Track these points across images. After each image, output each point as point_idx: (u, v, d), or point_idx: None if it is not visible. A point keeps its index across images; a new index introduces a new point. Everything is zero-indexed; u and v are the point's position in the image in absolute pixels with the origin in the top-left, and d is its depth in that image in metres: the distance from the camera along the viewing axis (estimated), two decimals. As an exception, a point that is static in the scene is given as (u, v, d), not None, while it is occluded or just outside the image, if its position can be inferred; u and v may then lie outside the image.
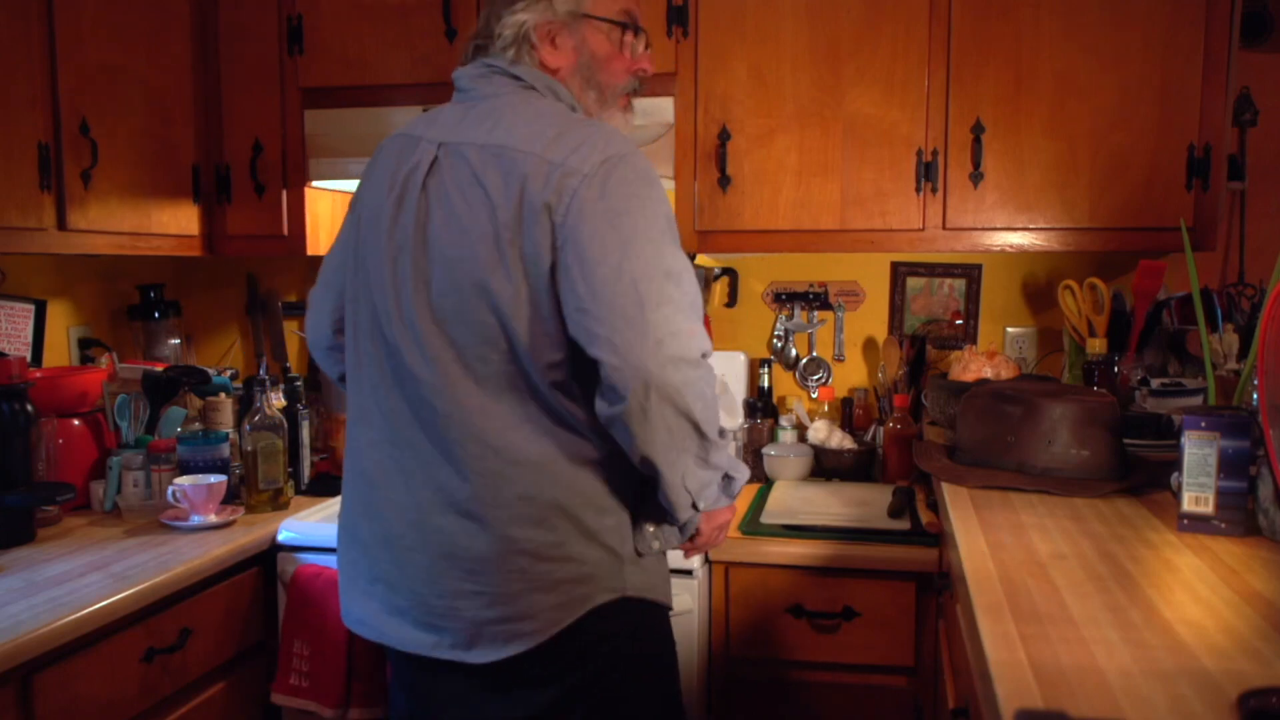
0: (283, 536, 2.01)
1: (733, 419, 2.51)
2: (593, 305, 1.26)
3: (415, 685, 1.48)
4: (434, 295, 1.34)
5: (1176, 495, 1.41)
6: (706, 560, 1.98)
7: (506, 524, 1.33)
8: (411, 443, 1.37)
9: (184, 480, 2.01)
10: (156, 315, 2.61)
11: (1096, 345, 2.11)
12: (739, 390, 2.52)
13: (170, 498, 1.99)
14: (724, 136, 2.20)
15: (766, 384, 2.54)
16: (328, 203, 2.52)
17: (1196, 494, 1.38)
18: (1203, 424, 1.36)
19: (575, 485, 1.35)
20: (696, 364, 1.30)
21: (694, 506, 1.40)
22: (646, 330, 1.25)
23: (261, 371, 2.72)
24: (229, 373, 2.42)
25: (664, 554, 1.49)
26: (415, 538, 1.36)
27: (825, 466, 2.43)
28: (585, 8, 1.45)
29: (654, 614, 1.47)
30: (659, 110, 2.24)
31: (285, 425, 2.17)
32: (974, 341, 2.52)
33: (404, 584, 1.38)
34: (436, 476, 1.35)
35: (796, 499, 2.23)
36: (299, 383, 2.35)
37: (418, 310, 1.35)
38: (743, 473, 1.48)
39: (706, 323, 2.56)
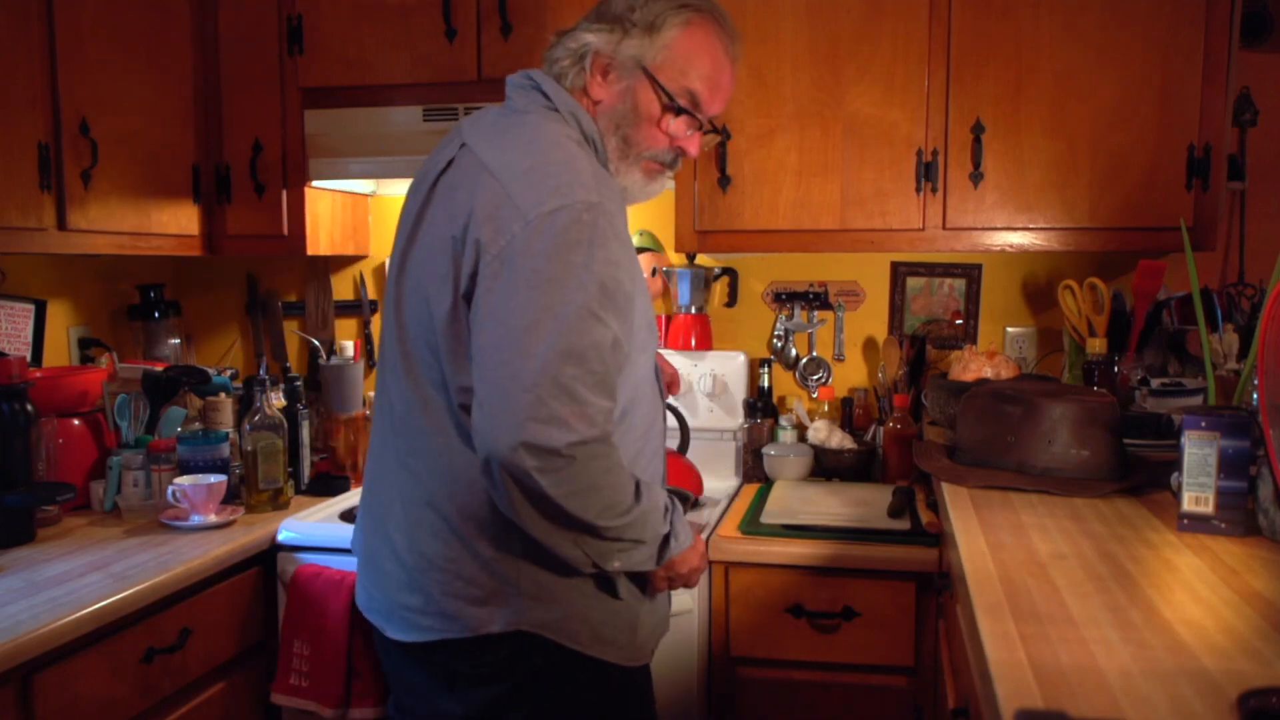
0: (283, 536, 2.01)
1: (733, 419, 2.51)
2: (479, 358, 1.24)
3: (388, 671, 1.54)
4: (405, 290, 1.39)
5: (1176, 495, 1.41)
6: (706, 560, 1.98)
7: (417, 525, 1.38)
8: (387, 429, 1.45)
9: (184, 480, 2.01)
10: (156, 315, 2.61)
11: (1096, 345, 2.11)
12: (739, 390, 2.52)
13: (170, 498, 1.99)
14: (724, 136, 2.20)
15: (766, 384, 2.54)
16: (328, 203, 2.51)
17: (1196, 494, 1.37)
18: (1203, 424, 1.36)
19: (471, 509, 1.33)
20: (557, 455, 1.19)
21: (657, 560, 1.36)
22: (511, 408, 1.19)
23: (261, 371, 2.72)
24: (229, 373, 2.42)
25: (620, 595, 1.41)
26: (382, 511, 1.45)
27: (825, 466, 2.43)
28: (648, 63, 1.40)
29: (570, 659, 1.37)
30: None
31: (285, 425, 2.17)
32: (974, 341, 2.52)
33: (361, 549, 1.50)
34: (400, 461, 1.41)
35: (796, 499, 2.23)
36: (299, 382, 2.35)
37: (396, 304, 1.40)
38: (684, 538, 1.40)
39: (706, 323, 2.56)
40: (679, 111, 1.43)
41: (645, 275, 2.57)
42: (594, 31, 1.41)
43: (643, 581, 1.44)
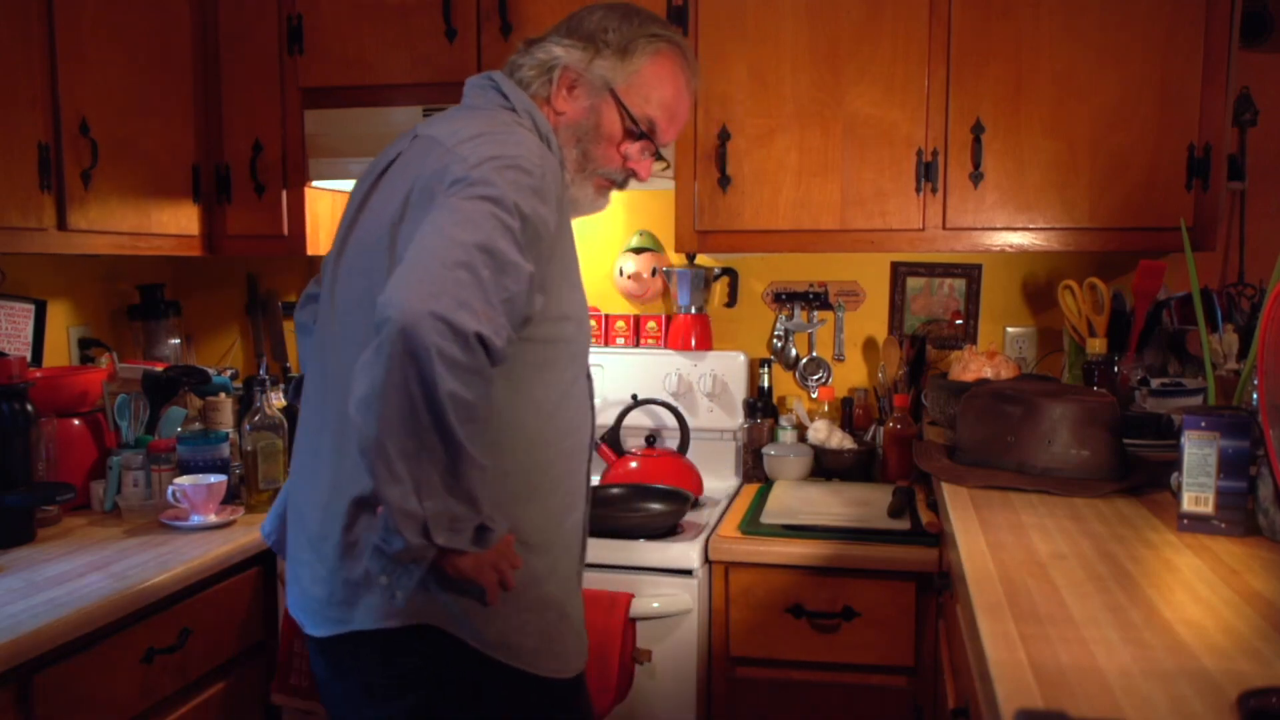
0: (283, 536, 2.01)
1: (733, 419, 2.51)
2: (406, 255, 1.19)
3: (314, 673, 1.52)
4: (341, 273, 1.38)
5: (1176, 495, 1.41)
6: (706, 560, 1.98)
7: (325, 506, 1.35)
8: (313, 411, 1.44)
9: (184, 480, 2.01)
10: (156, 315, 2.61)
11: (1096, 345, 2.11)
12: (739, 390, 2.52)
13: (170, 498, 1.99)
14: (724, 136, 2.20)
15: (766, 384, 2.54)
16: (328, 203, 2.51)
17: (1196, 494, 1.37)
18: (1203, 424, 1.36)
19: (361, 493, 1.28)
20: (464, 341, 1.13)
21: (425, 535, 1.16)
22: (427, 279, 1.13)
23: (261, 371, 2.72)
24: (229, 373, 2.43)
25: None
26: (302, 499, 1.43)
27: (825, 466, 2.43)
28: (617, 86, 1.44)
29: (484, 665, 1.32)
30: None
31: (285, 425, 2.16)
32: (974, 341, 2.52)
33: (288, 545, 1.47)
34: (328, 446, 1.39)
35: (796, 499, 2.23)
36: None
37: (332, 289, 1.39)
38: (501, 526, 1.25)
39: (706, 323, 2.56)
40: (639, 136, 1.47)
41: (646, 273, 2.58)
42: (565, 47, 1.43)
43: (568, 577, 1.43)
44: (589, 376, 1.51)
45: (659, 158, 1.56)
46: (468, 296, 1.14)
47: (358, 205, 1.41)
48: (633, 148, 1.49)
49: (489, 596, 1.27)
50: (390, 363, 1.12)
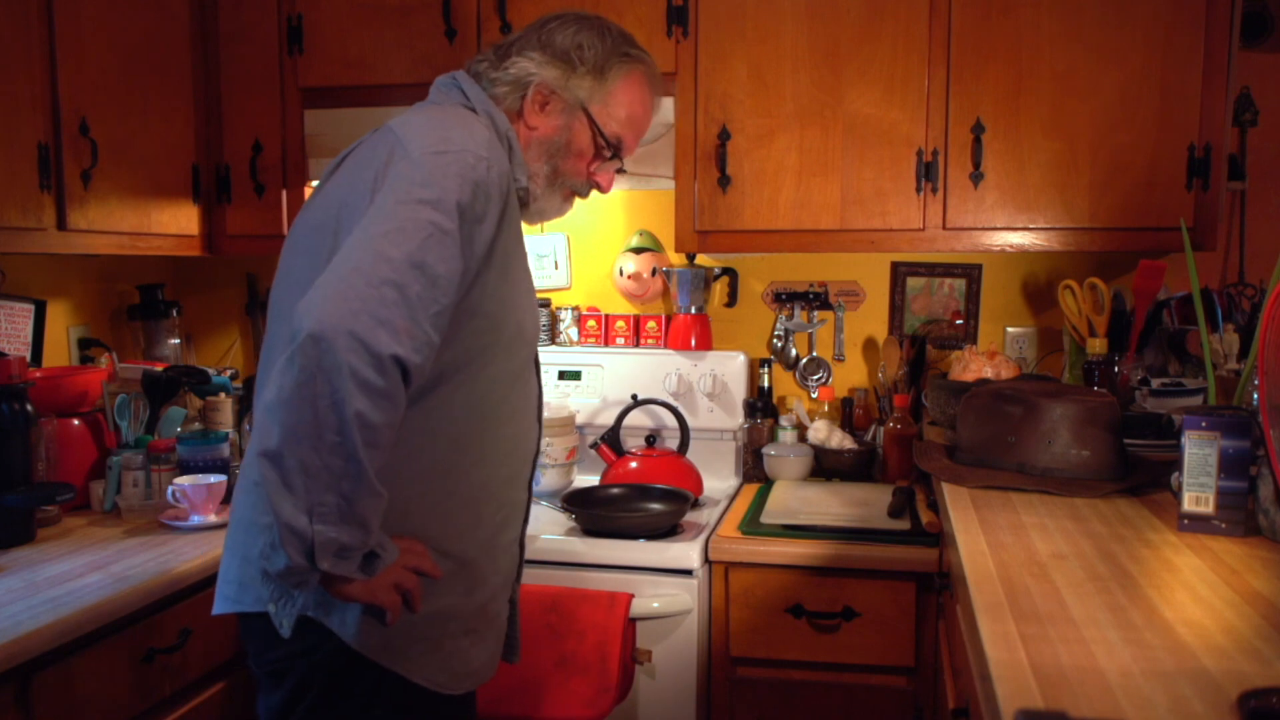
0: (283, 536, 2.01)
1: (733, 419, 2.51)
2: (334, 260, 1.18)
3: None
4: (286, 247, 1.40)
5: (1176, 495, 1.41)
6: (706, 560, 1.98)
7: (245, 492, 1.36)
8: None
9: (184, 480, 2.01)
10: (156, 315, 2.61)
11: (1096, 345, 2.11)
12: (739, 390, 2.52)
13: (170, 498, 1.99)
14: (724, 136, 2.20)
15: (766, 384, 2.54)
16: (328, 203, 2.51)
17: (1197, 494, 1.37)
18: (1203, 424, 1.36)
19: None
20: (378, 363, 1.12)
21: (309, 557, 1.14)
22: (348, 295, 1.12)
23: (261, 371, 2.72)
24: (229, 373, 2.42)
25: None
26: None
27: (825, 466, 2.43)
28: (591, 106, 1.46)
29: (364, 669, 1.29)
30: (659, 110, 2.23)
31: (285, 425, 2.16)
32: (974, 341, 2.52)
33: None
34: None
35: (796, 499, 2.23)
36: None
37: (278, 277, 1.41)
38: (391, 555, 1.22)
39: (706, 323, 2.56)
40: (610, 154, 1.50)
41: (646, 273, 2.58)
42: (539, 63, 1.44)
43: (492, 595, 1.41)
44: (538, 382, 1.50)
45: (620, 170, 1.58)
46: (389, 315, 1.13)
47: (317, 189, 1.42)
48: (600, 164, 1.51)
49: (389, 617, 1.24)
50: (301, 374, 1.11)
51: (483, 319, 1.32)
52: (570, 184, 1.50)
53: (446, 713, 1.39)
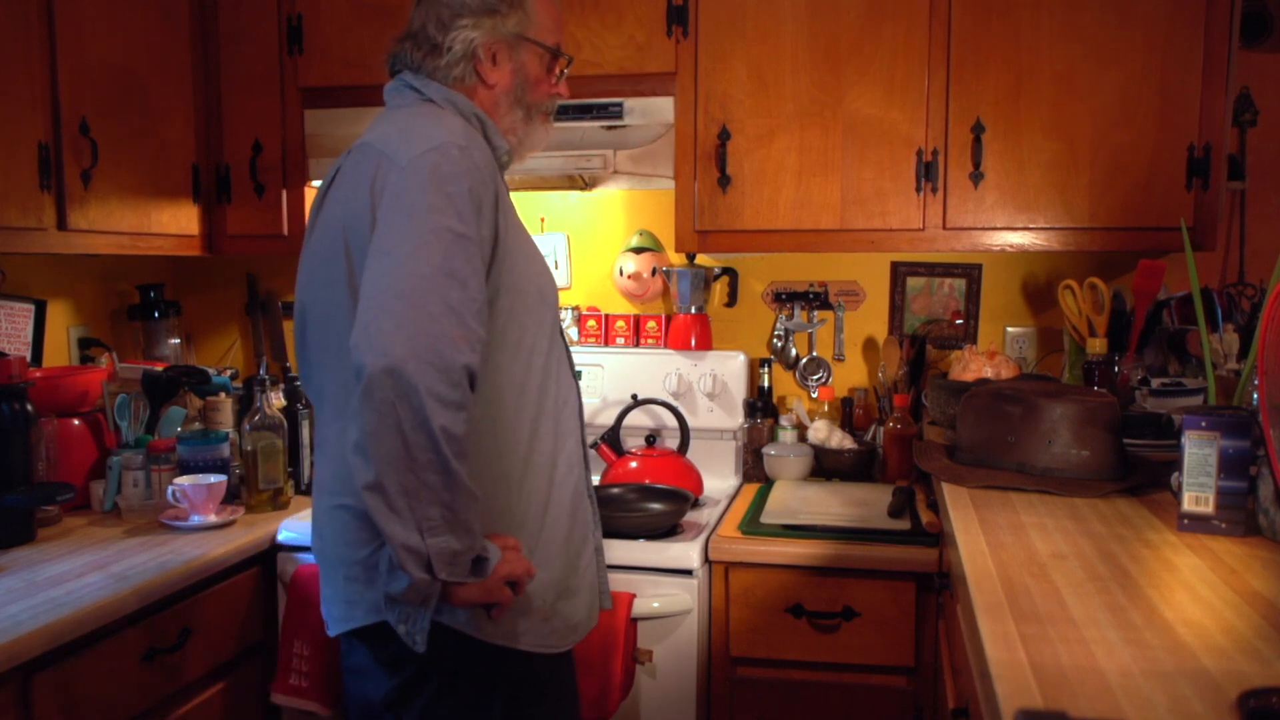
0: (283, 536, 2.01)
1: (733, 419, 2.51)
2: (365, 288, 1.24)
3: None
4: (299, 286, 1.45)
5: (1176, 495, 1.41)
6: (706, 560, 1.98)
7: (328, 515, 1.42)
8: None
9: (184, 480, 2.01)
10: (156, 315, 2.61)
11: (1096, 345, 2.11)
12: (739, 390, 2.52)
13: (170, 498, 1.99)
14: (724, 136, 2.20)
15: (766, 384, 2.54)
16: (328, 203, 2.51)
17: (1197, 494, 1.37)
18: (1203, 424, 1.36)
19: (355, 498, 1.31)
20: (450, 376, 1.19)
21: (429, 570, 1.22)
22: (404, 323, 1.18)
23: (261, 371, 2.72)
24: (229, 373, 2.42)
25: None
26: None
27: (825, 466, 2.43)
28: (528, 31, 1.50)
29: (469, 645, 1.37)
30: (659, 110, 2.24)
31: (285, 425, 2.17)
32: (974, 341, 2.52)
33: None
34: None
35: (796, 499, 2.23)
36: (299, 382, 2.35)
37: (301, 296, 1.47)
38: (495, 554, 1.29)
39: (706, 323, 2.56)
40: (556, 58, 1.55)
41: (646, 273, 2.58)
42: (470, 27, 1.47)
43: (576, 549, 1.49)
44: (564, 340, 1.54)
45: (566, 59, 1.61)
46: (444, 329, 1.20)
47: (311, 223, 1.47)
48: (555, 74, 1.56)
49: (496, 612, 1.34)
50: (382, 405, 1.17)
51: (506, 295, 1.37)
52: (542, 108, 1.55)
53: (559, 666, 1.48)
